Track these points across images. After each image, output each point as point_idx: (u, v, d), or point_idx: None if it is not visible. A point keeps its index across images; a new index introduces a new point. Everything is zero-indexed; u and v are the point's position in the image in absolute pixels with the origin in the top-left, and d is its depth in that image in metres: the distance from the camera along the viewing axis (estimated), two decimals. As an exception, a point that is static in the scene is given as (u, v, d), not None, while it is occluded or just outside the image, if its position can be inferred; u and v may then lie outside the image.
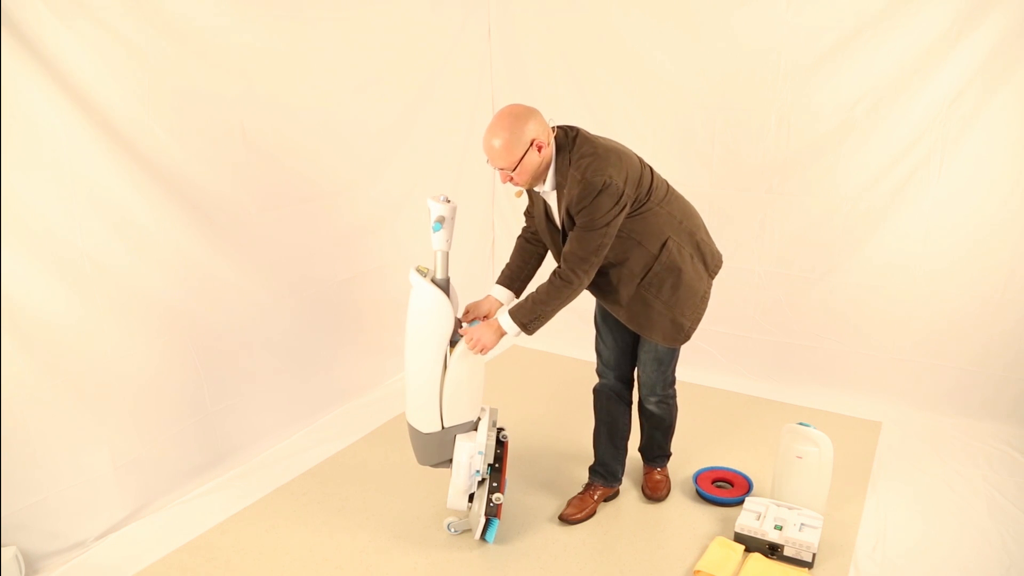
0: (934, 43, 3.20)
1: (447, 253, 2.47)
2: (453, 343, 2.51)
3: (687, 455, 3.19)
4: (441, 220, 2.42)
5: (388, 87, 3.66)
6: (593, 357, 2.85)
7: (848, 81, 3.39)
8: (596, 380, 2.86)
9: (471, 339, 2.45)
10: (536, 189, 2.48)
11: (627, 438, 2.87)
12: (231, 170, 2.98)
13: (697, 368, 3.94)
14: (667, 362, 2.70)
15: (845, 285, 3.65)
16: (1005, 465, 3.13)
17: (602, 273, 2.47)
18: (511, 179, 2.35)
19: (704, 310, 2.61)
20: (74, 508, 2.60)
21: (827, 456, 2.69)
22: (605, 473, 2.87)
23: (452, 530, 2.72)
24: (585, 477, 2.94)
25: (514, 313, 2.44)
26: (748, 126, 3.67)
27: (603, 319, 2.75)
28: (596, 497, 2.86)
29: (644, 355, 2.71)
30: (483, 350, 2.47)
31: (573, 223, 2.36)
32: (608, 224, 2.33)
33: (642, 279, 2.49)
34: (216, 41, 2.83)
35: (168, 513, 2.85)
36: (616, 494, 2.96)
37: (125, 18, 2.52)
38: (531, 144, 2.29)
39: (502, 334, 2.46)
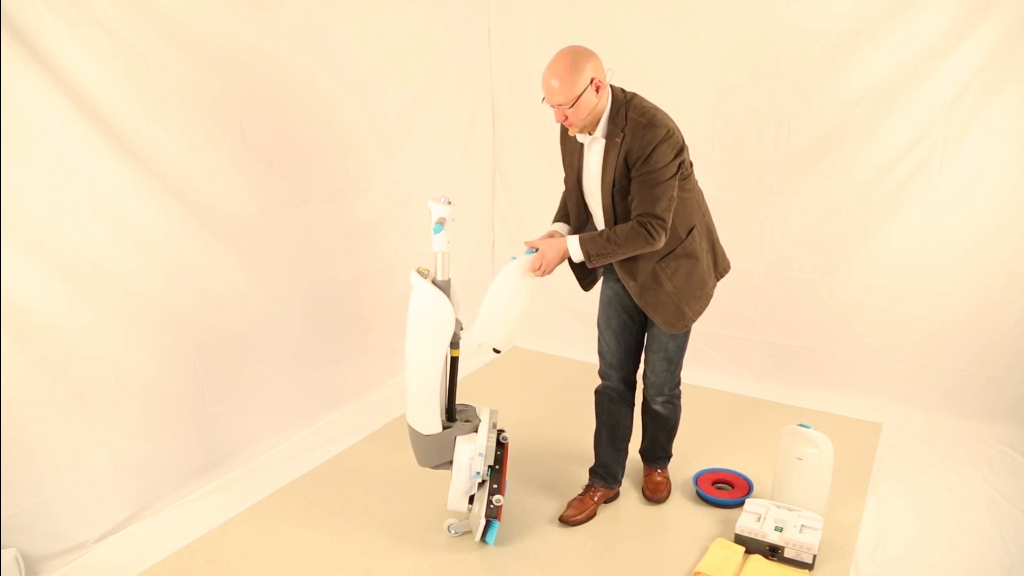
0: (933, 45, 3.20)
1: (448, 255, 2.47)
2: (454, 344, 2.52)
3: (687, 457, 3.19)
4: (442, 222, 2.42)
5: (388, 89, 3.66)
6: (593, 359, 2.85)
7: (848, 83, 3.39)
8: (597, 382, 2.85)
9: (538, 257, 2.46)
10: (580, 139, 2.48)
11: (628, 440, 2.87)
12: (231, 172, 2.98)
13: (697, 370, 3.93)
14: (676, 361, 2.72)
15: (845, 286, 3.65)
16: (1005, 466, 3.13)
17: None
18: (566, 117, 2.34)
19: (705, 307, 2.63)
20: (74, 510, 2.60)
21: (827, 457, 2.69)
22: (605, 475, 2.87)
23: (452, 532, 2.72)
24: (585, 478, 2.94)
25: (584, 242, 2.43)
26: (748, 128, 3.67)
27: (607, 322, 2.74)
28: (596, 498, 2.86)
29: (653, 355, 2.71)
30: (545, 270, 2.47)
31: (627, 173, 2.37)
32: (672, 177, 2.36)
33: (662, 258, 2.50)
34: (216, 44, 2.83)
35: (168, 515, 2.85)
36: (616, 495, 2.96)
37: (125, 21, 2.52)
38: (591, 82, 2.31)
39: (566, 256, 2.46)
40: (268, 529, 2.78)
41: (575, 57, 2.30)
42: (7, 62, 2.24)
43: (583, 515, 2.81)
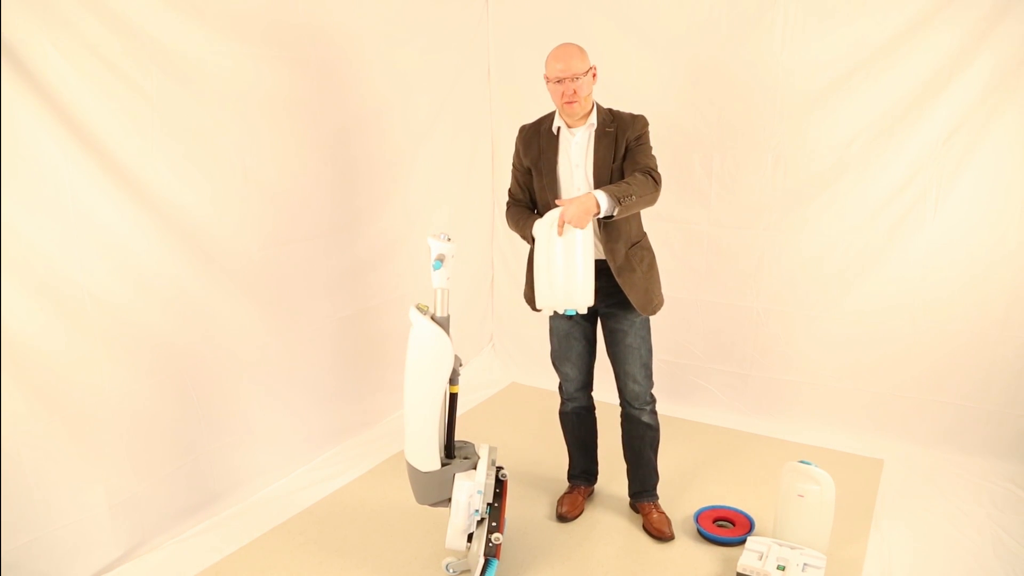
0: (928, 82, 3.25)
1: (447, 291, 2.48)
2: (453, 381, 2.51)
3: (687, 494, 3.17)
4: (441, 258, 2.43)
5: (388, 126, 3.70)
6: None
7: (843, 119, 3.44)
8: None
9: (565, 213, 2.41)
10: (566, 131, 2.66)
11: (596, 439, 3.10)
12: (232, 208, 3.00)
13: (697, 405, 3.92)
14: (650, 365, 2.83)
15: (843, 322, 3.65)
16: (1009, 503, 3.11)
17: (613, 224, 2.61)
18: (575, 92, 2.52)
19: (661, 305, 2.79)
20: (67, 547, 2.57)
21: (829, 494, 2.67)
22: (588, 475, 3.14)
23: (451, 571, 2.68)
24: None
25: (609, 190, 2.45)
26: (745, 165, 3.70)
27: (565, 354, 2.89)
28: (582, 491, 3.12)
29: (631, 367, 2.78)
30: (574, 223, 2.40)
31: (612, 158, 2.59)
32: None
33: (633, 244, 2.71)
34: (218, 81, 2.87)
35: (163, 553, 2.81)
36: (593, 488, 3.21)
37: (129, 58, 2.56)
38: (591, 67, 2.57)
39: (594, 209, 2.42)
40: (264, 568, 2.74)
41: (578, 44, 2.56)
42: (10, 97, 2.27)
43: (578, 510, 3.05)
